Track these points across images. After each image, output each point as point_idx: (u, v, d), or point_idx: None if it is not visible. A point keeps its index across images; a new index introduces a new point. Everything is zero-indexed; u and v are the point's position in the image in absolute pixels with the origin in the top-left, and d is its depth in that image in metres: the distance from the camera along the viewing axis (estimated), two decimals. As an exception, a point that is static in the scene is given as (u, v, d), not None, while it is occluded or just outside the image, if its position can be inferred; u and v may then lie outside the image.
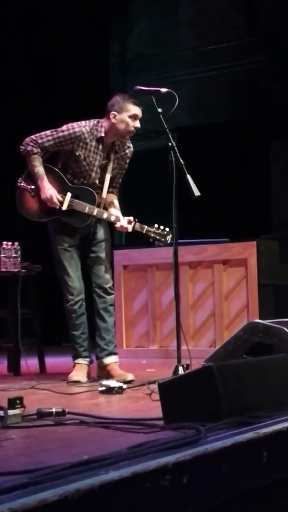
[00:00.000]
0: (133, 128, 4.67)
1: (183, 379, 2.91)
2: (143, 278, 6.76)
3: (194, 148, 8.28)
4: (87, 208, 4.64)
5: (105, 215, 4.69)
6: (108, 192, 4.81)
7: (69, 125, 4.67)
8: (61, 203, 4.64)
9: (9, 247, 5.32)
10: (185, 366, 4.28)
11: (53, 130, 4.67)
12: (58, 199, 4.62)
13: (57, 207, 4.62)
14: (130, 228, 4.67)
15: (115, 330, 6.74)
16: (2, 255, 5.31)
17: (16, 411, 2.89)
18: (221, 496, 2.21)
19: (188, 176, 4.42)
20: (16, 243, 5.35)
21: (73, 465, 1.94)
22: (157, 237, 4.68)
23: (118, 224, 4.67)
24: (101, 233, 4.82)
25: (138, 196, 8.80)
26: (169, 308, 6.34)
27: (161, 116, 4.52)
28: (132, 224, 4.67)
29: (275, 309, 6.31)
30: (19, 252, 5.34)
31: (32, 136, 4.67)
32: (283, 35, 8.87)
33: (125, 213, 4.82)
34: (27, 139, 4.67)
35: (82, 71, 8.78)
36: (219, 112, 9.39)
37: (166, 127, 4.51)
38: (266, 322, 3.57)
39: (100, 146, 4.69)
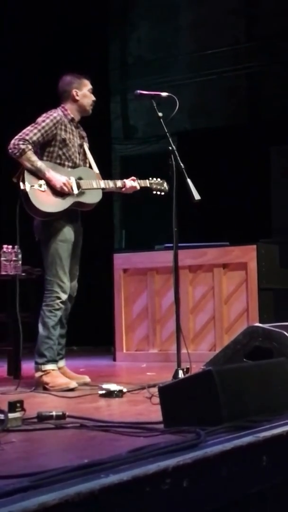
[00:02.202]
0: (92, 101, 4.82)
1: (183, 383, 2.91)
2: (143, 281, 6.77)
3: (193, 152, 8.29)
4: (94, 183, 4.70)
5: (111, 184, 4.79)
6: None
7: (44, 114, 4.69)
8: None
9: (9, 250, 5.32)
10: (185, 369, 4.28)
11: (32, 124, 4.62)
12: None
13: (73, 191, 4.59)
14: (137, 185, 4.83)
15: (115, 333, 6.81)
16: (2, 259, 5.31)
17: (17, 415, 2.89)
18: (221, 500, 2.22)
19: (189, 180, 4.42)
20: (17, 247, 5.34)
21: (73, 468, 1.94)
22: (158, 187, 4.90)
23: (127, 185, 4.82)
24: (81, 235, 4.83)
25: (137, 199, 8.80)
26: (169, 312, 6.34)
27: (161, 120, 4.53)
28: (137, 181, 4.85)
29: (275, 313, 6.32)
30: (19, 256, 5.34)
31: (17, 137, 4.56)
32: (282, 40, 8.89)
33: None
34: (14, 141, 4.54)
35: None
36: (219, 117, 9.40)
37: (166, 131, 4.50)
38: (266, 326, 3.56)
39: (73, 127, 4.77)
